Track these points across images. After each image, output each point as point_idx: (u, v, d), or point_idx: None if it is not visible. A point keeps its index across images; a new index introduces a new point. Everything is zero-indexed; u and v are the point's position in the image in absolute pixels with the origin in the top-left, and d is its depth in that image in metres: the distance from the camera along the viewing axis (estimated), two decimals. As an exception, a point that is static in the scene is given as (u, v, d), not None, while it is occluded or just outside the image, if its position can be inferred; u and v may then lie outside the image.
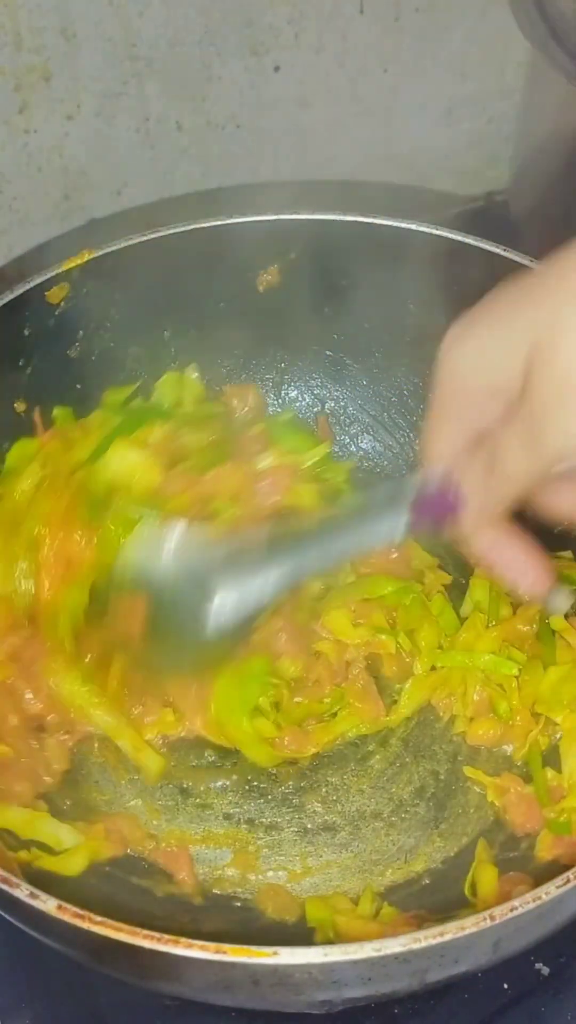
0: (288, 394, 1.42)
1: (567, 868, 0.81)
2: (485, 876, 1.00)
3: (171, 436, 1.14)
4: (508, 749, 1.13)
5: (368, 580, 1.19)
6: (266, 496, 1.12)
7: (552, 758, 1.10)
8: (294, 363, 1.41)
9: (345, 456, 1.39)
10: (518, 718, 1.11)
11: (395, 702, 1.16)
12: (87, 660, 1.05)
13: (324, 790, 1.12)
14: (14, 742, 1.04)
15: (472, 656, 1.14)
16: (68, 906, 0.79)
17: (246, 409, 1.37)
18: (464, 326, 0.78)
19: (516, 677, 1.12)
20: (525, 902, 0.79)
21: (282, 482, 1.13)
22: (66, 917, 0.79)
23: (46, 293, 1.19)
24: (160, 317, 1.31)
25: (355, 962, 0.76)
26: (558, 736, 1.11)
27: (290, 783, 1.12)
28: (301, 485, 1.15)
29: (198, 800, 1.11)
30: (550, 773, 1.08)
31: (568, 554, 1.22)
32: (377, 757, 1.14)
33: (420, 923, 0.96)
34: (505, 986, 1.03)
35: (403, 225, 1.24)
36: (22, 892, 0.81)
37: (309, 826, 1.10)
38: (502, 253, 1.21)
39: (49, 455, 1.12)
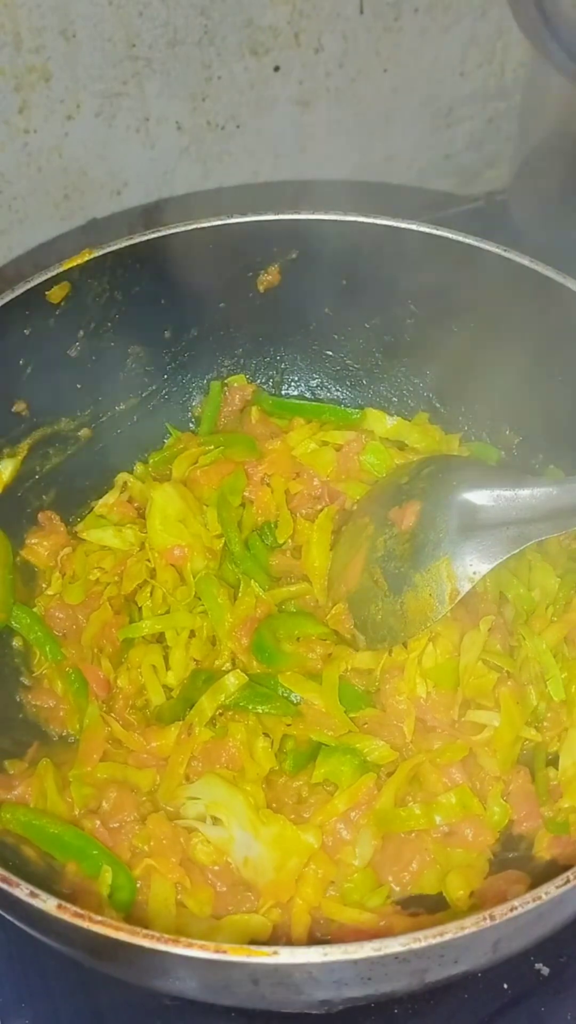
0: (288, 394, 1.42)
1: (566, 868, 0.81)
2: (454, 882, 1.01)
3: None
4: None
5: None
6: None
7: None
8: (294, 363, 1.41)
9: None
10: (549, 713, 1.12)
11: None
12: None
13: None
14: None
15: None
16: (68, 905, 0.79)
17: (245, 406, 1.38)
18: None
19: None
20: (525, 902, 0.79)
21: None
22: (66, 916, 0.79)
23: (46, 293, 1.19)
24: (160, 317, 1.31)
25: (355, 962, 0.77)
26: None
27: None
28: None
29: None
30: (551, 773, 1.08)
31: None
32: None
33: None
34: (505, 986, 1.03)
35: (403, 225, 1.24)
36: (22, 892, 0.81)
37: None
38: (502, 253, 1.21)
39: None
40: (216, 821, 1.02)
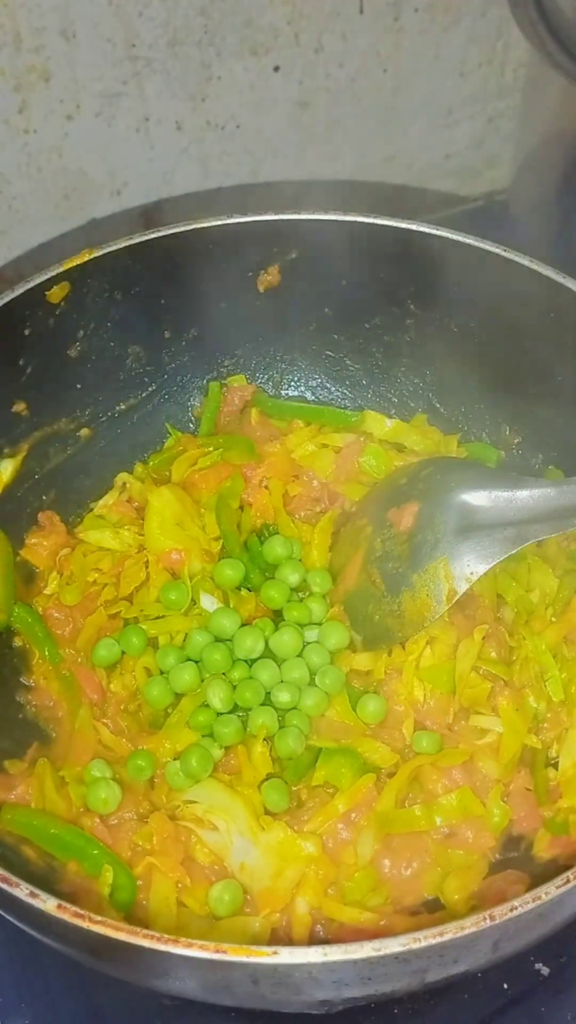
0: (288, 394, 1.42)
1: (566, 868, 0.81)
2: (451, 885, 1.01)
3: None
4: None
5: None
6: None
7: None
8: (294, 363, 1.41)
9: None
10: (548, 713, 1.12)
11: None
12: None
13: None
14: None
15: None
16: (68, 905, 0.79)
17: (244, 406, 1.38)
18: None
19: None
20: (525, 902, 0.79)
21: None
22: (66, 916, 0.79)
23: (46, 293, 1.19)
24: (160, 317, 1.31)
25: (355, 962, 0.76)
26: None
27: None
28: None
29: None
30: (551, 773, 1.08)
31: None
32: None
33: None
34: (505, 986, 1.03)
35: (403, 225, 1.24)
36: (22, 892, 0.81)
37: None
38: (502, 253, 1.21)
39: None
40: (212, 826, 1.02)
